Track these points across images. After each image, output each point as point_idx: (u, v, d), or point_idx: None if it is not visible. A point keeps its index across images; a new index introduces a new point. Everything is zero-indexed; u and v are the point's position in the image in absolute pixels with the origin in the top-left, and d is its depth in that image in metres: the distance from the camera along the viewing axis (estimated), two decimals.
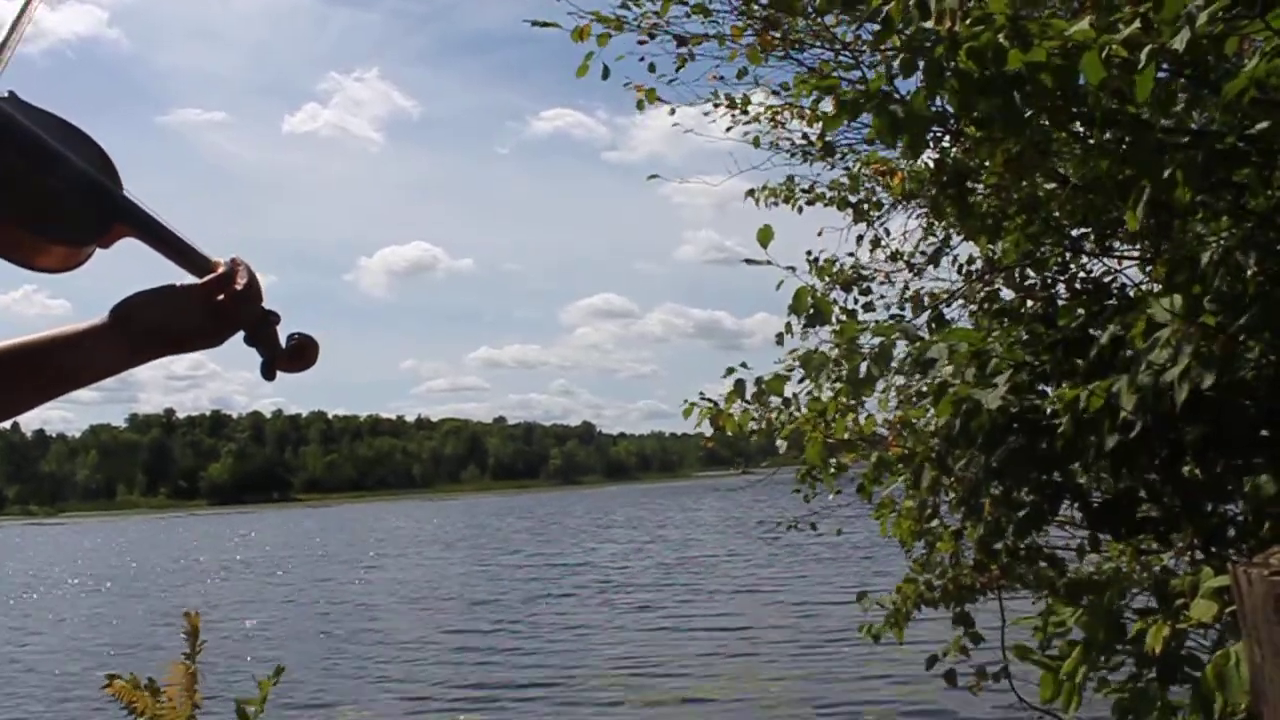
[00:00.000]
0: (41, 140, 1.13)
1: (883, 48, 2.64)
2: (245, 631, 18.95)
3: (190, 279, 1.17)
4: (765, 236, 3.60)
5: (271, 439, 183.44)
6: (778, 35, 4.35)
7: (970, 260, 4.65)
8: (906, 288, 5.06)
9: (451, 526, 59.87)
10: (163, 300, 1.14)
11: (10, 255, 1.11)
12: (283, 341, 1.23)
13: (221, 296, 1.15)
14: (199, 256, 1.19)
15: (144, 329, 1.14)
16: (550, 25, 4.67)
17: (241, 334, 1.21)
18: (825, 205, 5.04)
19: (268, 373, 1.23)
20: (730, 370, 4.31)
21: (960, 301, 4.65)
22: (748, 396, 4.48)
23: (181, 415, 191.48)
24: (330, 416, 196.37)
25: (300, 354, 1.24)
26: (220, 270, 1.16)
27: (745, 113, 4.99)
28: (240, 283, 1.15)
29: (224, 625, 18.62)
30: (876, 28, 3.09)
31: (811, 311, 3.74)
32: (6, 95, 1.14)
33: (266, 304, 1.22)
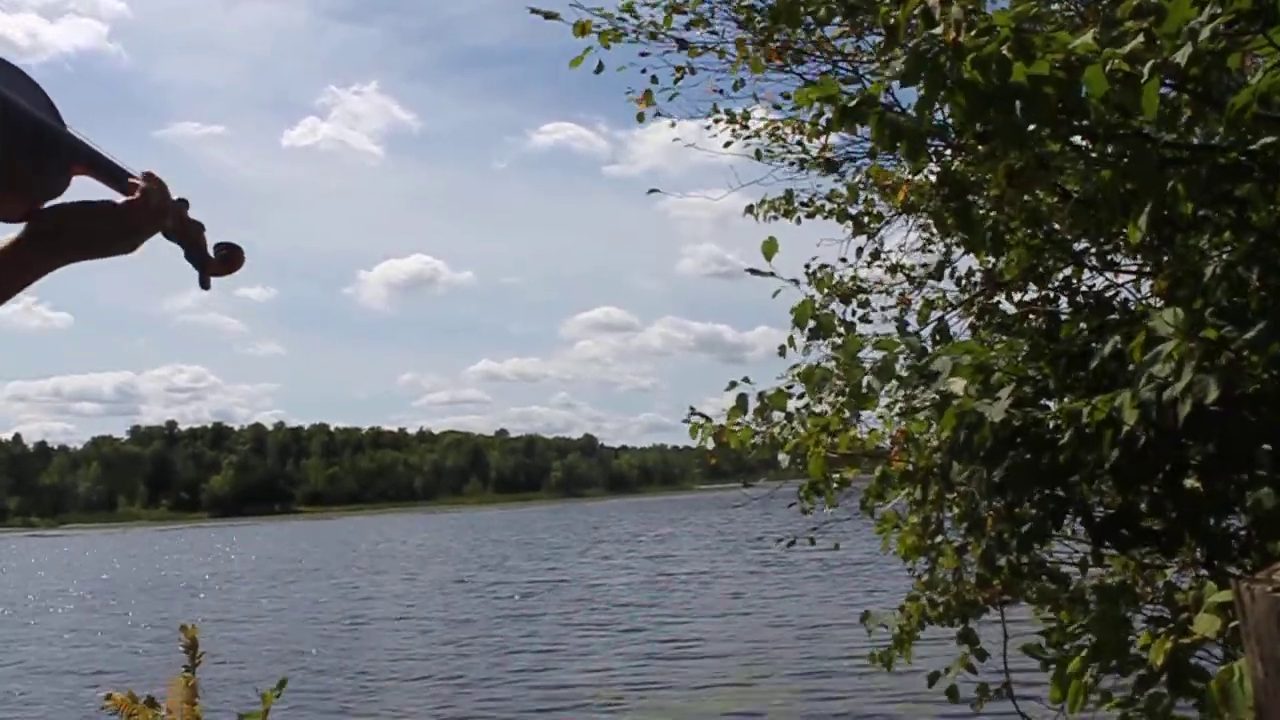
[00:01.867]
0: (18, 109, 1.16)
1: (885, 57, 2.64)
2: (240, 645, 18.90)
3: (113, 194, 1.25)
4: (770, 249, 3.60)
5: (273, 451, 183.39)
6: (778, 45, 4.36)
7: (970, 273, 4.65)
8: (905, 300, 5.05)
9: (456, 541, 59.68)
10: (96, 217, 1.22)
11: None
12: (212, 251, 1.34)
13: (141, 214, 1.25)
14: (125, 175, 1.27)
15: (75, 241, 1.22)
16: (552, 16, 4.68)
17: (182, 253, 1.31)
18: (825, 218, 5.04)
19: (205, 282, 1.34)
20: (733, 384, 4.31)
21: (959, 313, 4.65)
22: (750, 412, 4.48)
23: (183, 427, 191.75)
24: (332, 429, 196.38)
25: (230, 260, 1.36)
26: (141, 189, 1.24)
27: (746, 127, 5.01)
28: (153, 201, 1.24)
29: (219, 638, 18.58)
30: (878, 39, 3.10)
31: (814, 325, 3.74)
32: None
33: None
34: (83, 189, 1.26)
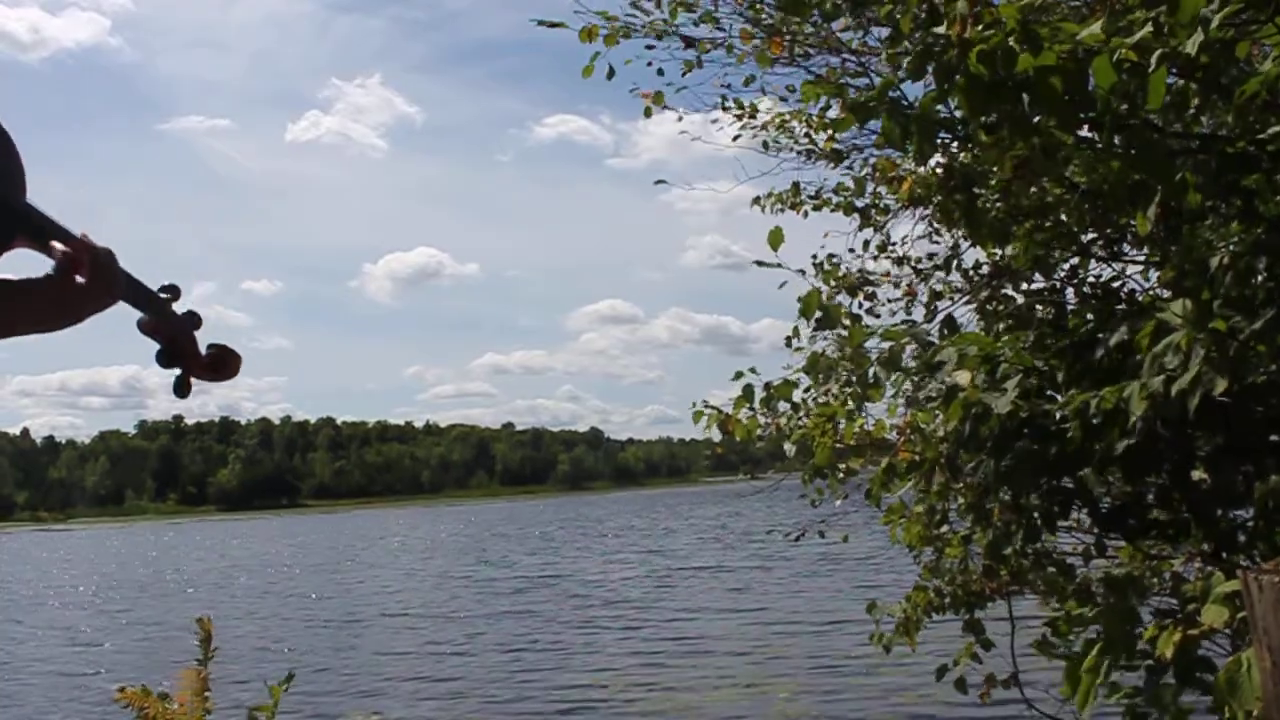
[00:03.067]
0: None
1: (893, 51, 2.64)
2: (246, 639, 18.97)
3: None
4: (776, 239, 3.60)
5: (280, 445, 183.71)
6: (786, 39, 4.35)
7: (977, 265, 4.65)
8: (911, 292, 5.05)
9: (463, 535, 59.80)
10: (29, 295, 1.06)
11: None
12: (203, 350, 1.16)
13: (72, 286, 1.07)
14: (69, 246, 1.09)
15: (13, 319, 1.05)
16: (558, 25, 4.68)
17: (156, 351, 1.14)
18: (831, 210, 5.04)
19: (181, 388, 1.16)
20: (739, 375, 4.31)
21: (966, 302, 4.65)
22: (756, 402, 4.48)
23: (190, 421, 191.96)
24: (339, 423, 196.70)
25: (218, 364, 1.17)
26: (67, 257, 1.06)
27: (753, 118, 5.00)
28: (82, 276, 1.07)
29: (224, 632, 18.63)
30: (885, 33, 3.09)
31: (820, 315, 3.74)
32: None
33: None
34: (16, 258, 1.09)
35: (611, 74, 4.67)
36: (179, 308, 1.17)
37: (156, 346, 1.16)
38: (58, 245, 1.06)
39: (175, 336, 1.14)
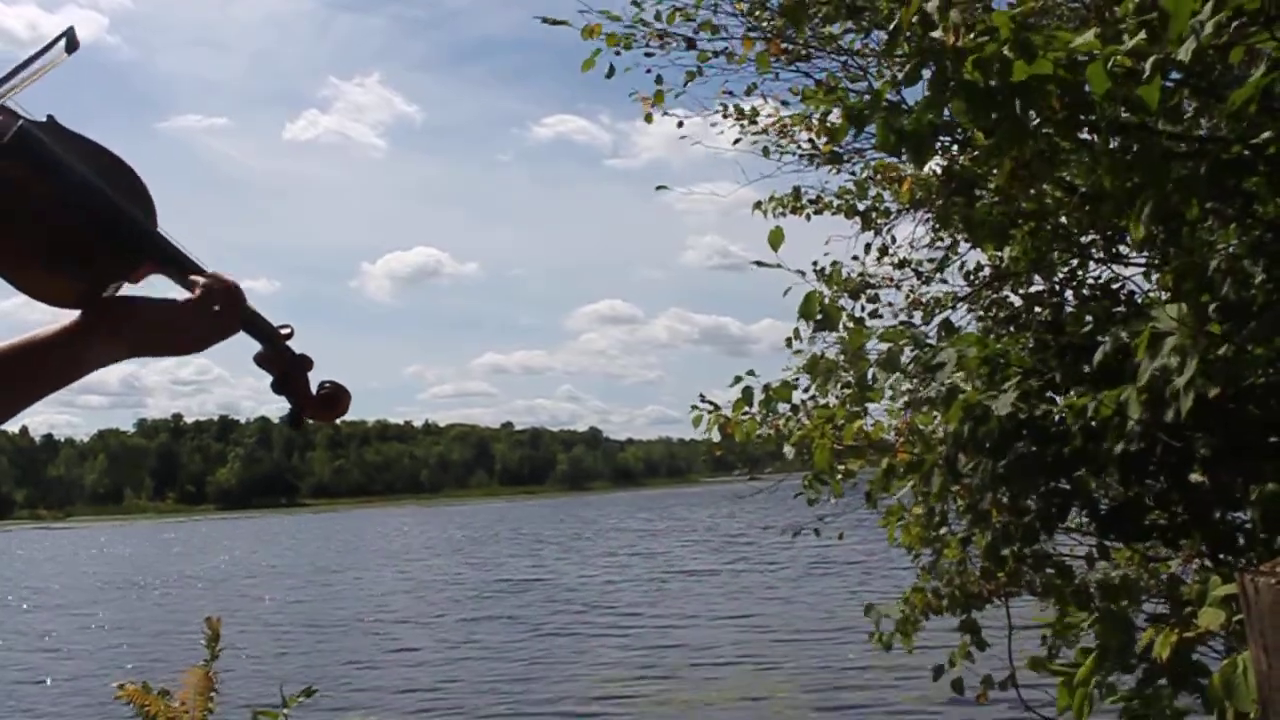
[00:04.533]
0: (71, 172, 1.07)
1: (890, 57, 2.65)
2: (247, 637, 18.97)
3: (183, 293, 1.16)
4: (776, 239, 3.61)
5: (279, 444, 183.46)
6: (786, 45, 4.36)
7: (978, 267, 4.66)
8: (913, 294, 5.06)
9: (460, 535, 59.75)
10: (172, 312, 1.14)
11: (23, 286, 1.07)
12: (314, 389, 1.21)
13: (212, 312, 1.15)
14: (198, 274, 1.18)
15: (145, 338, 1.13)
16: (560, 23, 4.69)
17: (270, 381, 1.20)
18: (833, 214, 5.04)
19: (294, 421, 1.21)
20: (738, 379, 4.32)
21: (966, 306, 4.66)
22: (755, 404, 4.49)
23: (189, 420, 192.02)
24: (338, 422, 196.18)
25: (330, 403, 1.22)
26: (204, 290, 1.14)
27: (754, 122, 5.00)
28: (218, 304, 1.14)
29: (225, 630, 18.62)
30: (884, 34, 3.10)
31: (820, 317, 3.75)
32: (45, 120, 1.08)
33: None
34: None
35: (611, 73, 4.68)
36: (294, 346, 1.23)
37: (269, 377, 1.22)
38: (198, 277, 1.14)
39: (288, 372, 1.21)
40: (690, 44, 4.72)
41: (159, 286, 1.17)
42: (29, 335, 1.10)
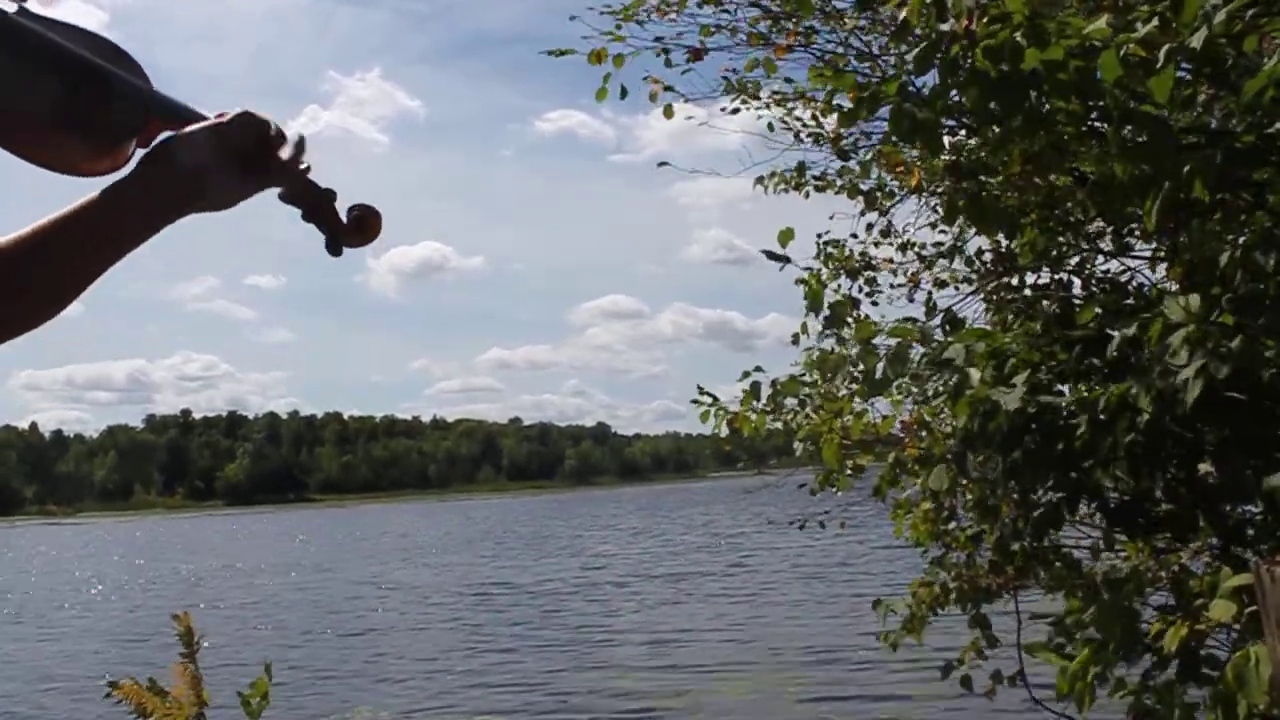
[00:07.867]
0: (63, 49, 1.10)
1: (899, 44, 2.64)
2: (250, 633, 19.03)
3: None
4: (786, 238, 3.61)
5: (287, 440, 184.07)
6: (790, 29, 4.34)
7: (979, 252, 4.59)
8: (916, 280, 4.99)
9: (468, 530, 59.88)
10: (198, 134, 1.12)
11: (55, 164, 1.09)
12: (344, 216, 1.19)
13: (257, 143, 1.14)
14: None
15: (185, 164, 1.11)
16: (567, 53, 4.67)
17: (299, 212, 1.18)
18: (835, 193, 4.96)
19: (333, 248, 1.19)
20: (745, 374, 4.31)
21: (973, 292, 4.61)
22: (763, 399, 4.49)
23: (198, 416, 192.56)
24: (346, 417, 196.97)
25: (362, 226, 1.20)
26: (219, 115, 1.14)
27: (756, 97, 4.94)
28: (236, 118, 1.13)
29: (227, 627, 18.70)
30: (893, 14, 3.08)
31: (828, 312, 3.74)
32: (16, 8, 1.09)
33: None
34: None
35: (624, 94, 4.68)
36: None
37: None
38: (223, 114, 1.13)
39: (318, 202, 1.19)
40: (696, 54, 4.69)
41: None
42: (65, 210, 1.08)
